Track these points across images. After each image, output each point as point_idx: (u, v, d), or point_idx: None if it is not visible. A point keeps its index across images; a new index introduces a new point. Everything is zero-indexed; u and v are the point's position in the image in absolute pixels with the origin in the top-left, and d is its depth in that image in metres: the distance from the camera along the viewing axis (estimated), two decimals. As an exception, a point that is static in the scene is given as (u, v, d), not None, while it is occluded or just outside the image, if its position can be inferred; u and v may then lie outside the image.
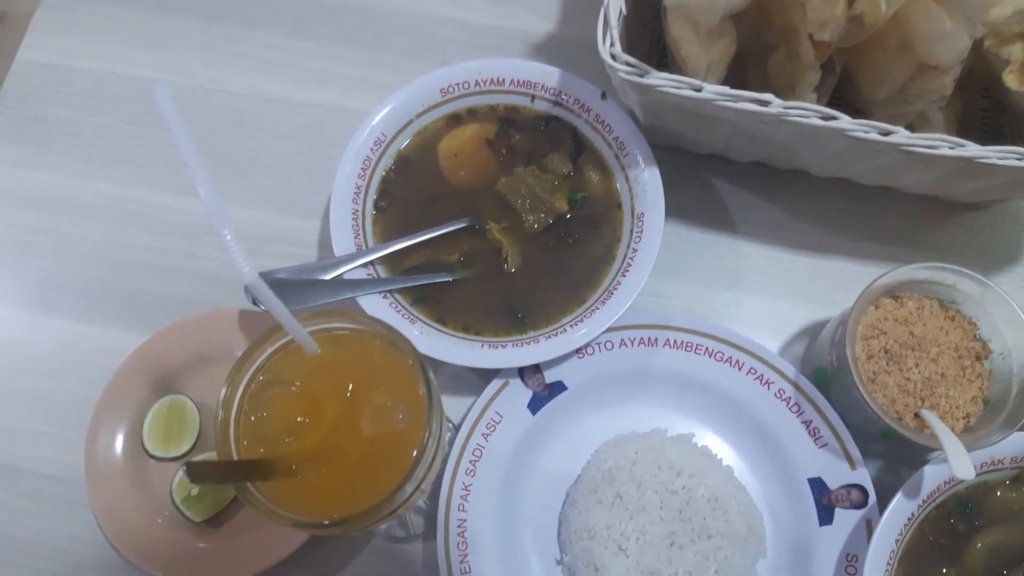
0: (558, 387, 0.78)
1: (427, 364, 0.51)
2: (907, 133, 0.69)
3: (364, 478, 0.50)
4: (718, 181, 0.88)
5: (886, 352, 0.71)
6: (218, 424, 0.48)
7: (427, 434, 0.48)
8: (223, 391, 0.49)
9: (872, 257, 0.86)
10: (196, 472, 0.43)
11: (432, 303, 0.79)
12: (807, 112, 0.69)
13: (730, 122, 0.74)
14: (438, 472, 0.68)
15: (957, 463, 0.64)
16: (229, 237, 0.44)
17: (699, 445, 0.77)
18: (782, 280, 0.85)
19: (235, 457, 0.49)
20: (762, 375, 0.77)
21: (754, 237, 0.87)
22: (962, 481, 0.71)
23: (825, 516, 0.73)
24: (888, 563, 0.69)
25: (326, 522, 0.47)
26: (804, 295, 0.84)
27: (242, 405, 0.51)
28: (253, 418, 0.51)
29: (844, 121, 0.69)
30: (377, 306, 0.76)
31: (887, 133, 0.69)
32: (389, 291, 0.77)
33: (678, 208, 0.87)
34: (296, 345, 0.51)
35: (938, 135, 0.69)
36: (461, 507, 0.74)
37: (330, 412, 0.50)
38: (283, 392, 0.51)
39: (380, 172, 0.83)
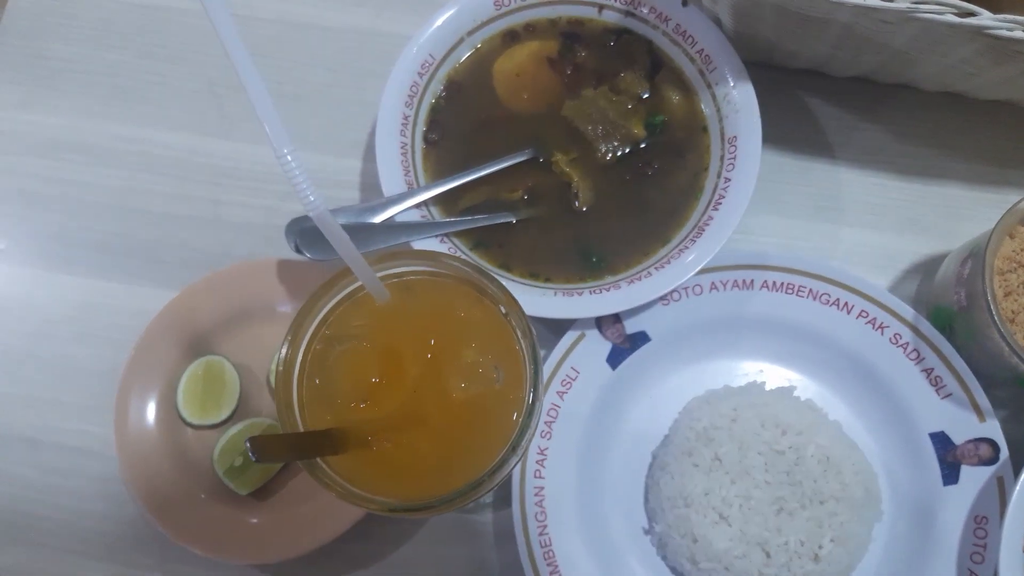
0: (640, 338, 0.69)
1: (524, 313, 0.42)
2: (1058, 29, 0.59)
3: (455, 449, 0.42)
4: (812, 99, 0.78)
5: (1027, 287, 0.62)
6: (280, 388, 0.40)
7: (531, 395, 0.40)
8: (283, 350, 0.40)
9: (989, 181, 0.75)
10: (262, 448, 0.35)
11: (495, 247, 0.70)
12: (941, 7, 0.58)
13: (841, 24, 0.63)
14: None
15: None
16: (290, 158, 0.34)
17: (802, 399, 0.69)
18: (888, 209, 0.75)
19: (300, 427, 0.41)
20: (875, 318, 0.68)
21: (855, 162, 0.76)
22: (1112, 433, 0.63)
23: (950, 474, 0.65)
24: (1030, 526, 0.60)
25: (418, 505, 0.39)
26: (914, 226, 0.74)
27: (305, 366, 0.42)
28: (318, 381, 0.43)
29: (985, 18, 0.58)
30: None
31: (1033, 30, 0.59)
32: (446, 235, 0.68)
33: (767, 132, 0.75)
34: (365, 294, 0.43)
35: (1094, 31, 0.59)
36: (538, 473, 0.66)
37: (410, 372, 0.42)
38: (353, 349, 0.43)
39: (429, 100, 0.73)
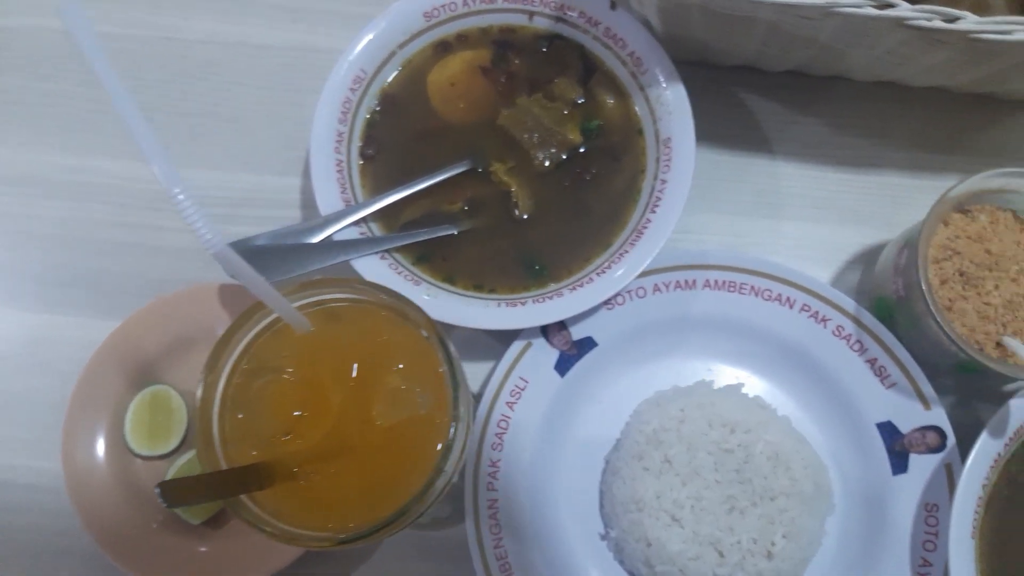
0: (587, 344, 0.69)
1: (445, 335, 0.42)
2: (976, 18, 0.59)
3: (383, 477, 0.42)
4: (748, 96, 0.78)
5: (961, 275, 0.62)
6: (197, 426, 0.39)
7: (454, 419, 0.40)
8: (199, 388, 0.40)
9: (927, 168, 0.76)
10: (173, 493, 0.34)
11: (437, 260, 0.69)
12: (859, 1, 0.59)
13: (766, 22, 0.63)
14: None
15: (1060, 396, 0.55)
16: (182, 197, 0.34)
17: (750, 396, 0.69)
18: (828, 202, 0.76)
19: (222, 465, 0.40)
20: (817, 312, 0.68)
21: (793, 156, 0.77)
22: (1052, 413, 0.63)
23: (899, 464, 0.65)
24: (976, 510, 0.61)
25: (343, 536, 0.38)
26: (854, 217, 0.75)
27: (226, 401, 0.42)
28: (241, 415, 0.42)
29: (903, 8, 0.59)
30: (375, 269, 0.66)
31: (953, 20, 0.59)
32: (387, 251, 0.68)
33: (704, 130, 0.75)
34: (286, 324, 0.42)
35: (1013, 18, 0.59)
36: (491, 486, 0.66)
37: (333, 401, 0.42)
38: (275, 381, 0.42)
39: (364, 115, 0.72)
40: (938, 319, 0.60)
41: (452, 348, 0.42)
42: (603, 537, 0.67)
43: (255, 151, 0.80)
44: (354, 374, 0.42)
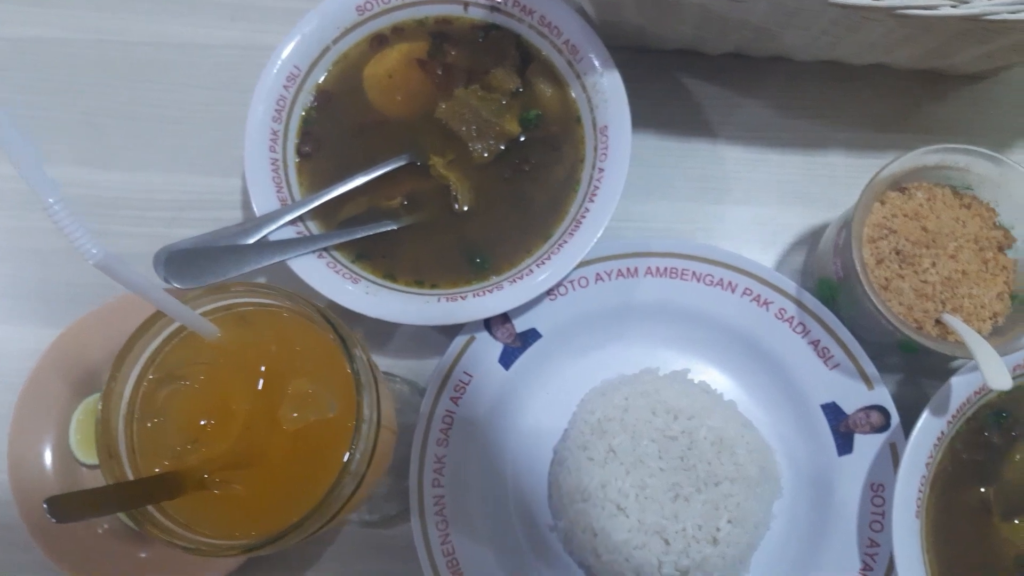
0: (531, 335, 0.69)
1: (354, 336, 0.42)
2: (903, -6, 0.59)
3: (296, 481, 0.41)
4: (689, 80, 0.77)
5: (897, 253, 0.62)
6: (99, 438, 0.39)
7: (360, 421, 0.39)
8: (100, 401, 0.39)
9: (871, 147, 0.76)
10: (63, 508, 0.34)
11: (377, 257, 0.69)
12: (784, -19, 0.58)
13: (696, 4, 0.63)
14: (396, 452, 0.59)
15: (990, 371, 0.55)
16: (57, 208, 0.33)
17: (696, 382, 0.69)
18: (772, 184, 0.75)
19: (129, 475, 0.40)
20: (759, 295, 0.68)
21: (736, 140, 0.76)
22: (992, 390, 0.63)
23: (844, 444, 0.65)
24: (920, 489, 0.61)
25: (250, 544, 0.38)
26: (799, 198, 0.75)
27: (133, 410, 0.41)
28: (150, 424, 0.41)
29: (828, -13, 0.58)
30: (312, 268, 0.65)
31: (879, -4, 0.58)
32: (325, 249, 0.67)
33: (647, 117, 0.76)
34: (191, 331, 0.42)
35: (939, -8, 0.59)
36: (436, 482, 0.66)
37: (242, 407, 0.41)
38: (181, 389, 0.41)
39: (299, 112, 0.71)
40: (873, 299, 0.59)
41: (360, 350, 0.41)
42: (552, 528, 0.67)
43: (201, 152, 0.79)
44: (262, 379, 0.42)
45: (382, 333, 0.73)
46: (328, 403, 0.41)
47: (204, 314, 0.41)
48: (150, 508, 0.39)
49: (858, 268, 0.60)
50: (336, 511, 0.40)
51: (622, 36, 0.73)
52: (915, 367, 0.69)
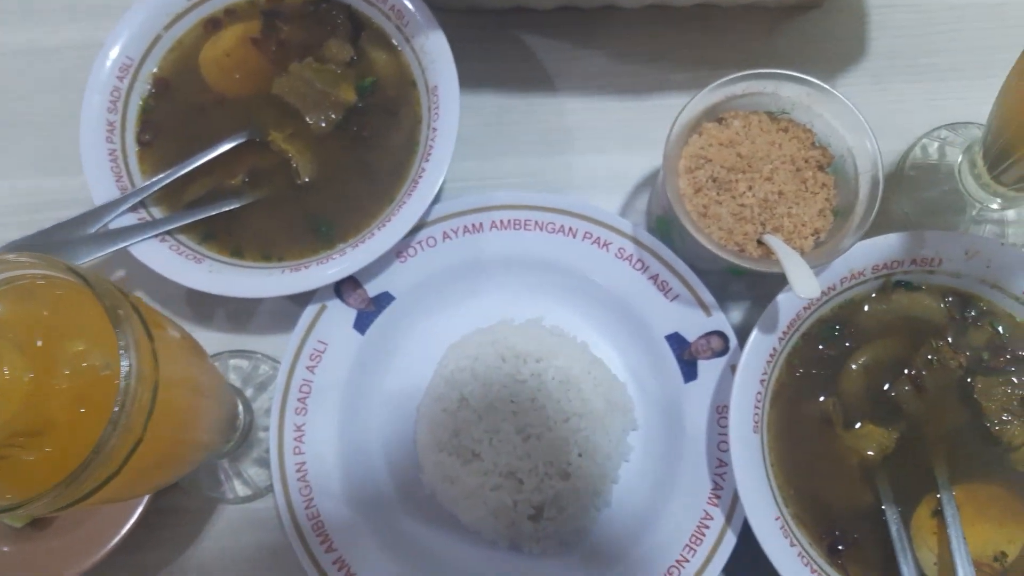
0: (385, 299, 0.70)
1: (118, 294, 0.42)
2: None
3: (84, 445, 0.42)
4: (527, 36, 0.79)
5: (714, 181, 0.64)
6: None
7: (124, 374, 0.40)
8: None
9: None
10: None
11: (224, 236, 0.69)
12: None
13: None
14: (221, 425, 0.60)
15: (798, 281, 0.57)
16: None
17: (548, 327, 0.70)
18: (615, 131, 0.77)
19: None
20: (599, 237, 0.70)
21: (578, 90, 0.78)
22: (824, 303, 0.65)
23: (689, 371, 0.67)
24: (756, 406, 0.63)
25: (9, 504, 0.39)
26: (642, 143, 0.76)
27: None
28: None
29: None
30: (152, 252, 0.66)
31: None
32: (168, 233, 0.68)
33: (489, 76, 0.78)
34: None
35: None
36: (297, 450, 0.67)
37: (19, 376, 0.42)
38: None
39: (137, 102, 0.72)
40: (688, 226, 0.61)
41: (126, 310, 0.42)
42: (422, 484, 0.69)
43: (55, 154, 0.79)
44: (40, 346, 0.42)
45: (243, 312, 0.74)
46: (103, 361, 0.42)
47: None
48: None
49: (671, 198, 0.62)
50: (116, 469, 0.41)
51: (453, -1, 0.75)
52: (759, 292, 0.72)
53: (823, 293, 0.65)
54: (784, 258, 0.59)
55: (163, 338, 0.45)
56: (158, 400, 0.43)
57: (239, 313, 0.74)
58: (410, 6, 0.70)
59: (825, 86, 0.63)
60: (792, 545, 0.61)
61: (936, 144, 0.74)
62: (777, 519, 0.61)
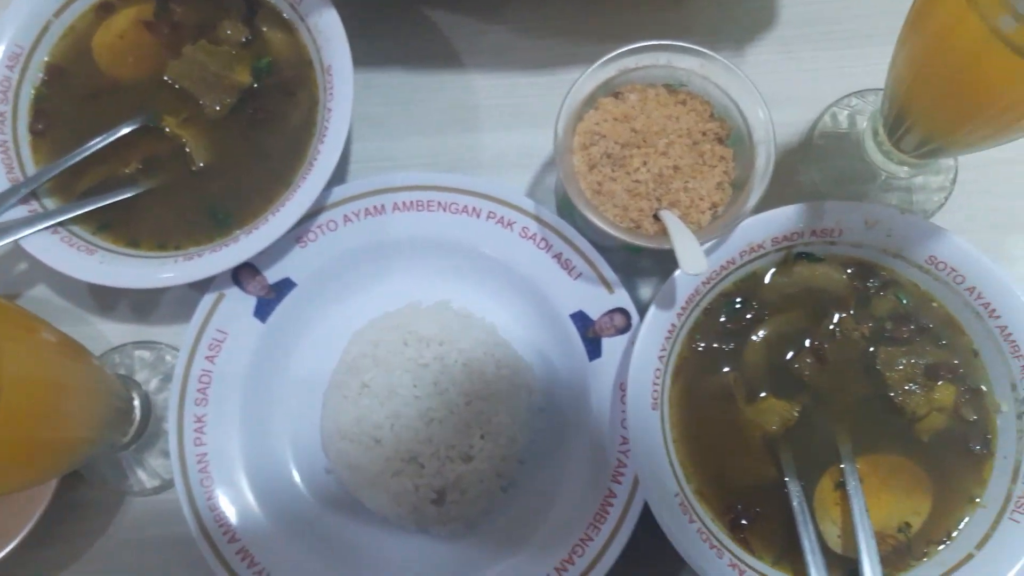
0: (286, 285, 0.69)
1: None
2: None
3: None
4: (434, 12, 0.77)
5: (608, 157, 0.63)
6: None
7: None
8: None
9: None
10: None
11: (119, 226, 0.68)
12: None
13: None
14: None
15: (684, 257, 0.57)
16: None
17: (456, 309, 0.69)
18: (524, 108, 0.75)
19: None
20: (503, 217, 0.69)
21: (486, 67, 0.76)
22: (725, 277, 0.65)
23: (593, 349, 0.67)
24: (655, 383, 0.63)
25: None
26: (548, 119, 0.73)
27: None
28: None
29: None
30: (44, 245, 0.65)
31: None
32: (61, 224, 0.66)
33: (394, 54, 0.76)
34: None
35: None
36: (198, 441, 0.66)
37: None
38: None
39: (28, 91, 0.70)
40: (578, 203, 0.60)
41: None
42: (329, 471, 0.68)
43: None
44: None
45: (147, 302, 0.73)
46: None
47: None
48: None
49: (564, 177, 0.61)
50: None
51: (353, -25, 0.73)
52: (667, 268, 0.70)
53: (723, 267, 0.64)
54: (673, 233, 0.58)
55: (16, 341, 0.44)
56: (4, 401, 0.42)
57: (143, 303, 0.73)
58: (303, -16, 0.68)
59: (717, 56, 0.62)
60: (691, 521, 0.60)
61: (846, 112, 0.73)
62: (676, 495, 0.61)
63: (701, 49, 0.62)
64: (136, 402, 0.65)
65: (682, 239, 0.57)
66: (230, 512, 0.65)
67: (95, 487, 0.69)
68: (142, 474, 0.69)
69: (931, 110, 0.56)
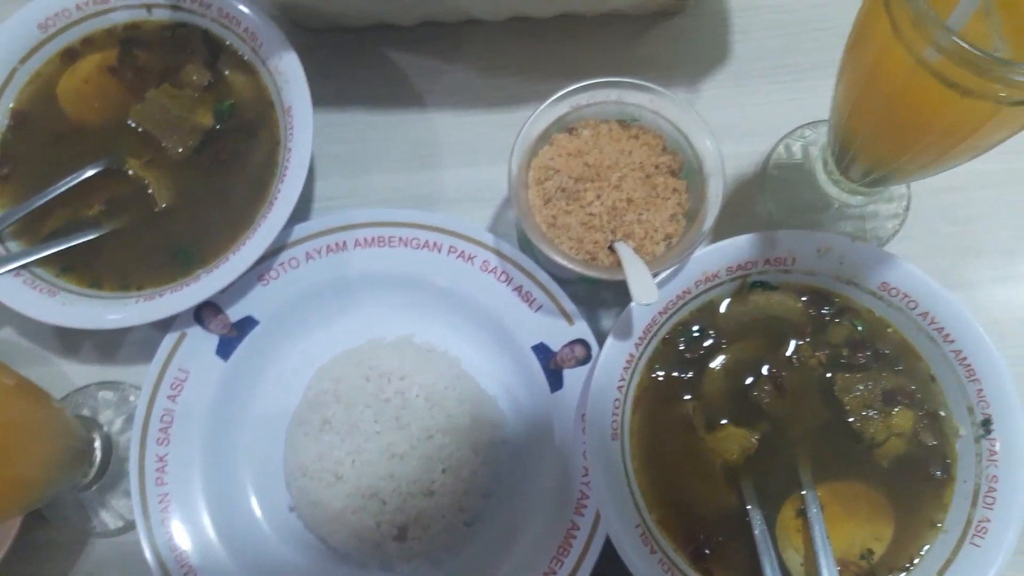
0: (248, 323, 0.69)
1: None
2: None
3: None
4: (394, 53, 0.79)
5: (563, 191, 0.64)
6: None
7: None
8: None
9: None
10: None
11: (81, 268, 0.68)
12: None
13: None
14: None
15: (636, 287, 0.58)
16: None
17: (419, 343, 0.70)
18: (483, 145, 0.77)
19: None
20: (463, 251, 0.69)
21: (445, 105, 0.78)
22: (681, 307, 0.65)
23: (555, 381, 0.67)
24: (615, 412, 0.63)
25: None
26: (507, 155, 0.75)
27: None
28: None
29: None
30: (6, 288, 0.65)
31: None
32: (24, 267, 0.67)
33: (355, 94, 0.78)
34: None
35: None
36: (159, 480, 0.66)
37: None
38: None
39: (-7, 136, 0.71)
40: (531, 236, 0.61)
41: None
42: (292, 509, 0.68)
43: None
44: None
45: (111, 343, 0.73)
46: None
47: None
48: None
49: (518, 211, 0.62)
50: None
51: (314, 17, 0.74)
52: (627, 299, 0.71)
53: (679, 296, 0.65)
54: (626, 265, 0.59)
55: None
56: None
57: (107, 344, 0.73)
58: (263, 28, 0.70)
59: (665, 91, 0.63)
60: (653, 552, 0.60)
61: (799, 143, 0.75)
62: (637, 527, 0.61)
63: (650, 85, 0.63)
64: (97, 443, 0.65)
65: (634, 270, 0.58)
66: (192, 552, 0.64)
67: (58, 528, 0.69)
68: (105, 515, 0.69)
69: (870, 140, 0.57)
